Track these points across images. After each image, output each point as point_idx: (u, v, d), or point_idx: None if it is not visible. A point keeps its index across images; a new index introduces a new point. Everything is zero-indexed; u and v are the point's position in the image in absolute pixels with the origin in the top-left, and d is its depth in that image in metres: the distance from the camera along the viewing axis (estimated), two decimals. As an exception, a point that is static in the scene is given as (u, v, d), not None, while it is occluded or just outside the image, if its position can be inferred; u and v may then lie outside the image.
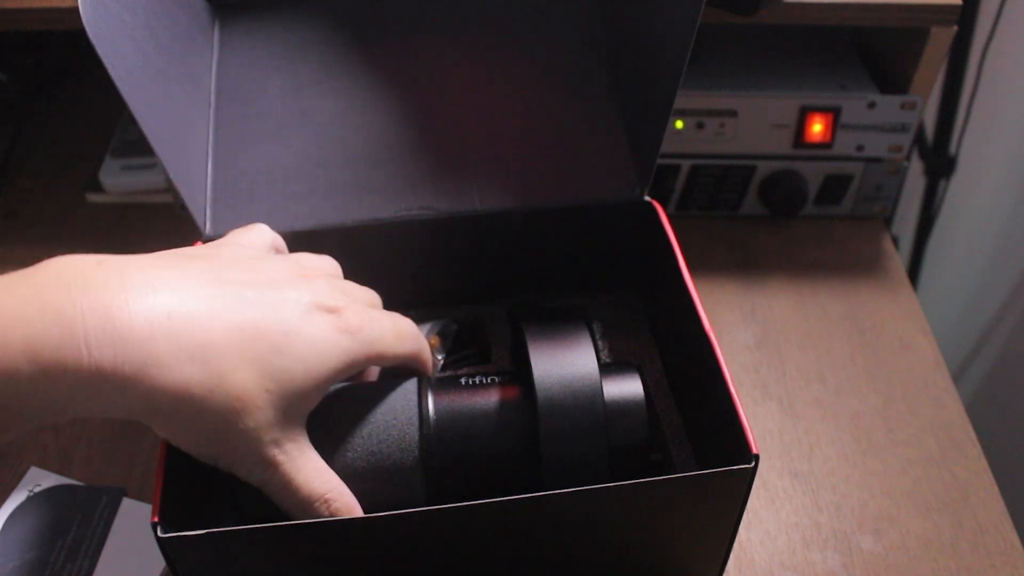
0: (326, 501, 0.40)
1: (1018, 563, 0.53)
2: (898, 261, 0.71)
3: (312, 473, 0.40)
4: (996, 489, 0.56)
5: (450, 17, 0.59)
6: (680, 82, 0.48)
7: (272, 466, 0.39)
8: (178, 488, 0.41)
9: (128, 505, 0.55)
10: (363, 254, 0.54)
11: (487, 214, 0.54)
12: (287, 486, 0.39)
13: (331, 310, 0.40)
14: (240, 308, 0.38)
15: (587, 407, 0.42)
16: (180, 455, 0.39)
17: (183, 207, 0.75)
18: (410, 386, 0.44)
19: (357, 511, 0.40)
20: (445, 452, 0.43)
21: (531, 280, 0.58)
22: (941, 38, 0.65)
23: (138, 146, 0.78)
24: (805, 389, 0.62)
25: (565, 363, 0.43)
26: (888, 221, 0.75)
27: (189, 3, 0.56)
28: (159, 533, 0.37)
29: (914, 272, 1.10)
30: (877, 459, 0.58)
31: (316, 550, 0.40)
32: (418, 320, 0.54)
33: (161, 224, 0.75)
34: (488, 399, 0.44)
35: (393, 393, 0.44)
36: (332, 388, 0.42)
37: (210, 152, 0.54)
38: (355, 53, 0.58)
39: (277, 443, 0.38)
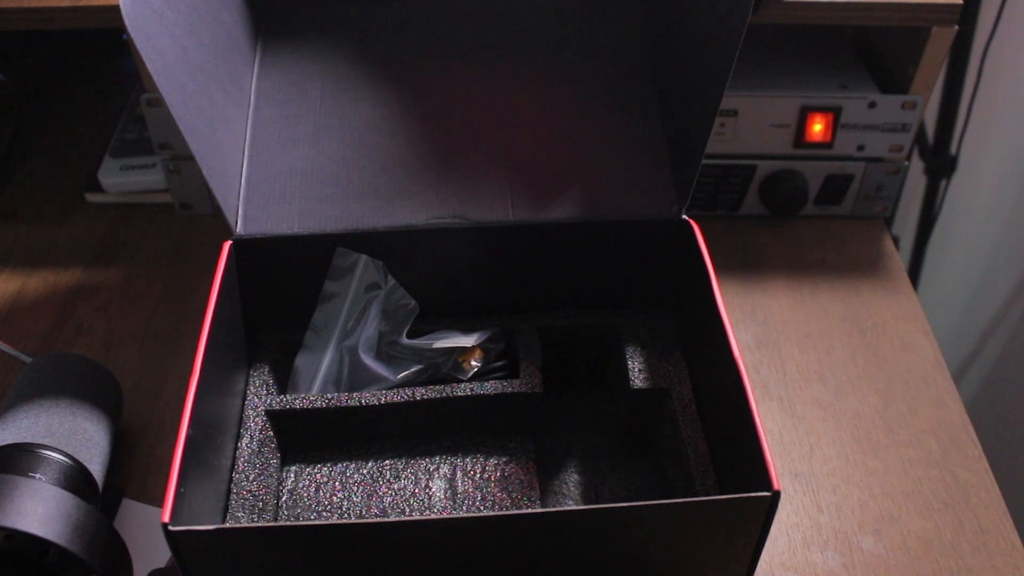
0: None
1: (1019, 563, 0.53)
2: (898, 261, 0.71)
3: None
4: (997, 489, 0.56)
5: (493, 31, 0.58)
6: (719, 104, 0.47)
7: None
8: (188, 491, 0.40)
9: (128, 506, 0.55)
10: (393, 259, 0.53)
11: (520, 225, 0.53)
12: None
13: None
14: None
15: None
16: (194, 458, 0.39)
17: (183, 206, 0.76)
18: None
19: None
20: None
21: (563, 294, 0.56)
22: (942, 38, 0.65)
23: (137, 146, 0.78)
24: (805, 389, 0.62)
25: None
26: (888, 221, 0.75)
27: (234, 4, 0.55)
28: (170, 527, 0.37)
29: (914, 272, 1.10)
30: (878, 459, 0.58)
31: (326, 551, 0.40)
32: (470, 329, 0.54)
33: (160, 224, 0.75)
34: None
35: None
36: None
37: (246, 151, 0.54)
38: (395, 62, 0.57)
39: None
